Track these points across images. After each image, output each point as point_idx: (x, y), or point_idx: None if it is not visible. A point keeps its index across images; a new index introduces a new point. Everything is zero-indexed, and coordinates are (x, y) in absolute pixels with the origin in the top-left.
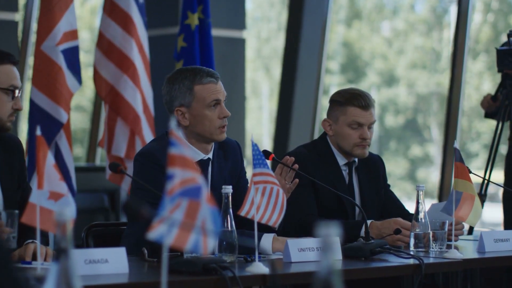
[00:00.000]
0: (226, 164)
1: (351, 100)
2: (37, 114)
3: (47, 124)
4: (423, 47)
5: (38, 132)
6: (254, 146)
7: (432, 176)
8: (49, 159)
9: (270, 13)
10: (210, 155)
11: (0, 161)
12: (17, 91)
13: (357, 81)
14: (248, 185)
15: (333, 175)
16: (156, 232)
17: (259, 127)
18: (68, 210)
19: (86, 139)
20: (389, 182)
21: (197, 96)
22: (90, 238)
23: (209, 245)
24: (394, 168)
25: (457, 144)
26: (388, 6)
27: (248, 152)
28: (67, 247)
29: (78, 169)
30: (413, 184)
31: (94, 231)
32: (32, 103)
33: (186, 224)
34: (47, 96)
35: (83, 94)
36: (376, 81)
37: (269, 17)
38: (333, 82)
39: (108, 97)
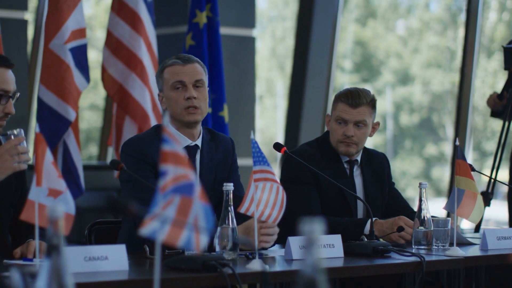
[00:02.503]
0: (216, 156)
1: (341, 96)
2: (45, 112)
3: (55, 122)
4: (438, 46)
5: (37, 129)
6: (254, 144)
7: (447, 175)
8: (48, 156)
9: (285, 12)
10: (198, 142)
11: None
12: (9, 96)
13: (371, 80)
14: (248, 182)
15: (336, 173)
16: (148, 228)
17: (274, 126)
18: (61, 206)
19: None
20: (404, 181)
21: (164, 78)
22: (93, 235)
23: (201, 242)
24: (409, 167)
25: (458, 142)
26: (403, 4)
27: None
28: (59, 243)
29: (89, 167)
30: (428, 183)
31: (97, 228)
32: (40, 102)
33: (179, 221)
34: (55, 95)
35: (98, 93)
36: (391, 80)
37: (284, 15)
38: (347, 81)
39: (117, 96)
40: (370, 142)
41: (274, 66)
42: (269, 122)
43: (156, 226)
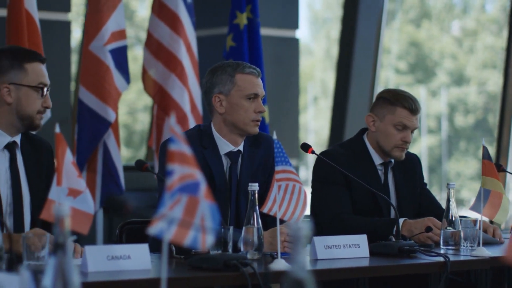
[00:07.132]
0: (257, 156)
1: (402, 101)
2: (85, 114)
3: (95, 124)
4: (494, 47)
5: (57, 129)
6: (277, 144)
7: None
8: (68, 156)
9: (340, 13)
10: (241, 148)
11: (29, 161)
12: (45, 89)
13: (426, 81)
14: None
15: (368, 175)
16: (155, 228)
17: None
18: (67, 205)
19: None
20: (459, 182)
21: (238, 84)
22: (124, 235)
23: (207, 241)
24: (464, 168)
25: (484, 142)
26: (458, 5)
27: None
28: (65, 242)
29: (129, 168)
30: None
31: (128, 228)
32: (80, 103)
33: (185, 221)
34: (95, 96)
35: None
36: (446, 81)
37: (339, 17)
38: (402, 81)
39: (157, 97)
40: (425, 143)
41: (329, 67)
42: (323, 124)
43: (163, 226)
